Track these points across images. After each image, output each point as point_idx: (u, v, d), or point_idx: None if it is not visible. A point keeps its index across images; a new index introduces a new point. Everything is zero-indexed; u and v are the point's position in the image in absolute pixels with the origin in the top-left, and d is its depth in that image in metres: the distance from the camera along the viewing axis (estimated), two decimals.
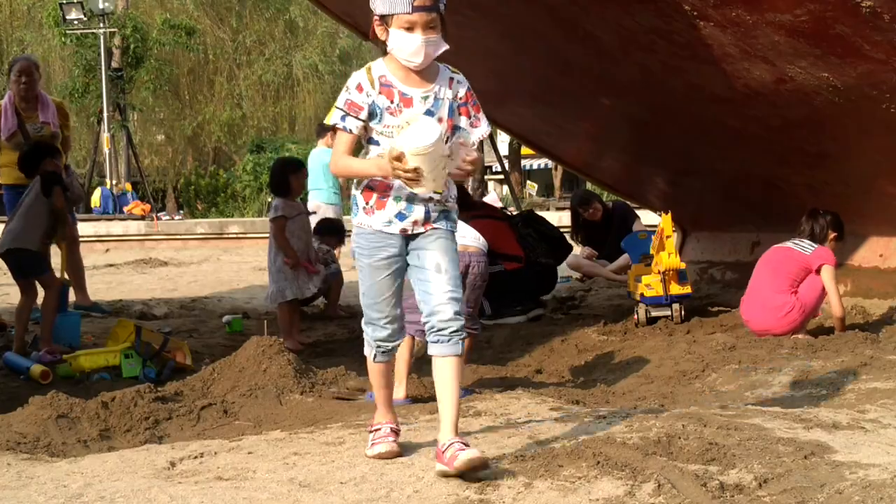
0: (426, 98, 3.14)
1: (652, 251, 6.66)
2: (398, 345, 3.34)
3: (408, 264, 3.21)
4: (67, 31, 22.25)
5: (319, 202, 12.02)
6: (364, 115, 3.12)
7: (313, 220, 11.86)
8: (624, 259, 8.23)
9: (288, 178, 6.73)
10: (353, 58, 28.99)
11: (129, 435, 4.09)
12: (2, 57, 26.48)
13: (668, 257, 6.34)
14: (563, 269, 8.37)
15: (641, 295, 6.53)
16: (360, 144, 3.22)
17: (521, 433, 3.49)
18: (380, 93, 3.12)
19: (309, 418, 4.17)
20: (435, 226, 3.18)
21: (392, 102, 3.13)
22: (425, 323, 3.17)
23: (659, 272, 6.46)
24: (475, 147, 3.16)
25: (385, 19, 3.09)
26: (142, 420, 4.19)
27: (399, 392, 4.53)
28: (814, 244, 5.75)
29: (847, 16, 4.70)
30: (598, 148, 8.60)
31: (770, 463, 3.06)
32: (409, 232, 3.17)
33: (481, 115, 3.23)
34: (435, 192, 3.11)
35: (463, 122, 3.20)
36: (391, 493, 2.93)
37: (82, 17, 20.86)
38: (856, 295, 6.55)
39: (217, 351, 6.06)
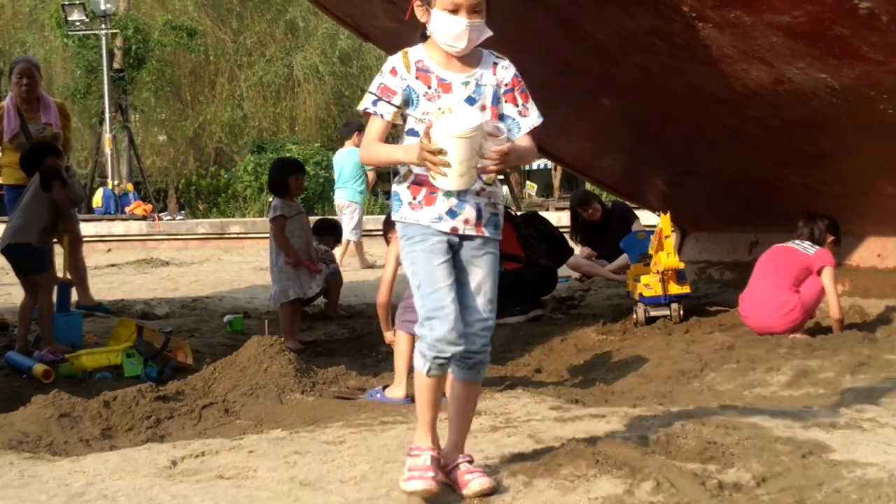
0: (467, 84, 2.93)
1: (651, 251, 6.67)
2: (459, 352, 2.88)
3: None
4: (69, 33, 22.25)
5: (345, 201, 12.11)
6: (398, 99, 2.91)
7: (341, 218, 12.03)
8: (623, 259, 8.24)
9: (286, 178, 6.74)
10: (354, 58, 28.99)
11: (130, 434, 4.11)
12: (4, 58, 26.49)
13: (666, 257, 6.35)
14: (562, 269, 8.37)
15: (640, 295, 6.54)
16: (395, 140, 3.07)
17: (520, 432, 3.51)
18: (416, 77, 2.91)
19: (310, 417, 4.19)
20: (485, 231, 2.94)
21: (429, 88, 2.92)
22: None
23: (658, 272, 6.47)
24: (510, 138, 2.87)
25: (427, 0, 2.92)
26: (143, 419, 4.21)
27: (399, 391, 4.55)
28: (814, 245, 5.81)
29: (845, 17, 4.71)
30: (598, 148, 8.60)
31: (768, 462, 3.08)
32: (460, 231, 2.91)
33: (531, 104, 2.99)
34: (459, 189, 2.83)
35: (509, 109, 2.97)
36: (391, 492, 2.94)
37: (84, 18, 20.89)
38: (854, 294, 6.56)
39: (218, 350, 6.08)
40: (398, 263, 4.76)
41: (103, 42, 21.33)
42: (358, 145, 12.29)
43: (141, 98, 25.90)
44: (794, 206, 6.52)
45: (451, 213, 2.91)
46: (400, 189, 2.97)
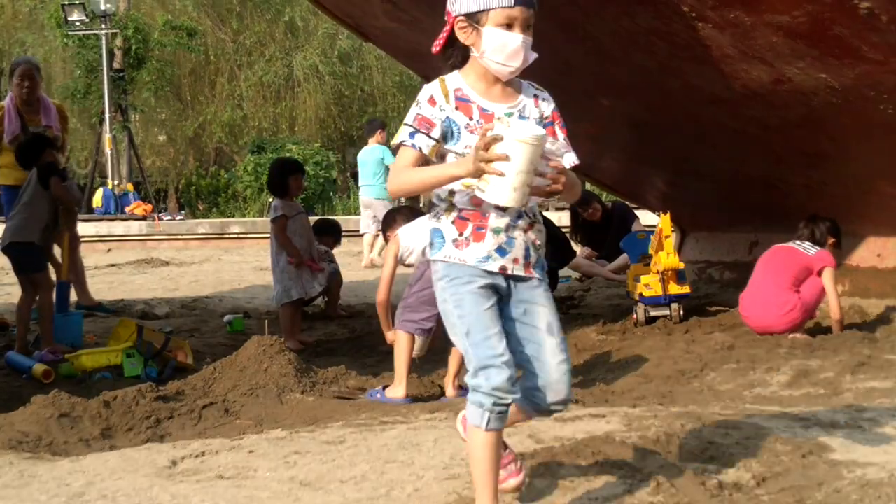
0: (510, 115, 2.68)
1: (651, 251, 6.67)
2: (517, 398, 2.61)
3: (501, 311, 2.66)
4: (69, 33, 22.26)
5: (370, 198, 12.13)
6: (437, 132, 2.63)
7: (365, 217, 12.05)
8: (623, 259, 8.24)
9: (286, 178, 6.74)
10: (354, 58, 28.98)
11: (130, 434, 4.11)
12: (3, 58, 26.48)
13: (666, 257, 6.35)
14: (562, 269, 8.38)
15: (640, 294, 6.54)
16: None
17: (520, 432, 3.51)
18: (456, 108, 2.65)
19: (310, 417, 4.19)
20: (534, 273, 2.70)
21: (470, 119, 2.65)
22: (529, 388, 2.67)
23: (658, 272, 6.47)
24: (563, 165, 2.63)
25: (475, 17, 2.63)
26: (143, 419, 4.21)
27: (399, 391, 4.55)
28: (815, 246, 5.83)
29: (845, 17, 4.71)
30: (598, 148, 8.60)
31: (768, 462, 3.08)
32: (509, 271, 2.65)
33: (567, 141, 2.75)
34: (509, 207, 2.57)
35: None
36: (391, 492, 2.94)
37: (84, 18, 20.88)
38: (854, 295, 6.56)
39: (218, 350, 6.08)
40: (397, 262, 4.76)
41: (103, 42, 21.32)
42: (381, 143, 12.34)
43: (141, 98, 25.89)
44: (794, 206, 6.53)
45: (501, 251, 2.64)
46: (442, 225, 2.68)
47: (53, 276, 6.35)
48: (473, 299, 2.60)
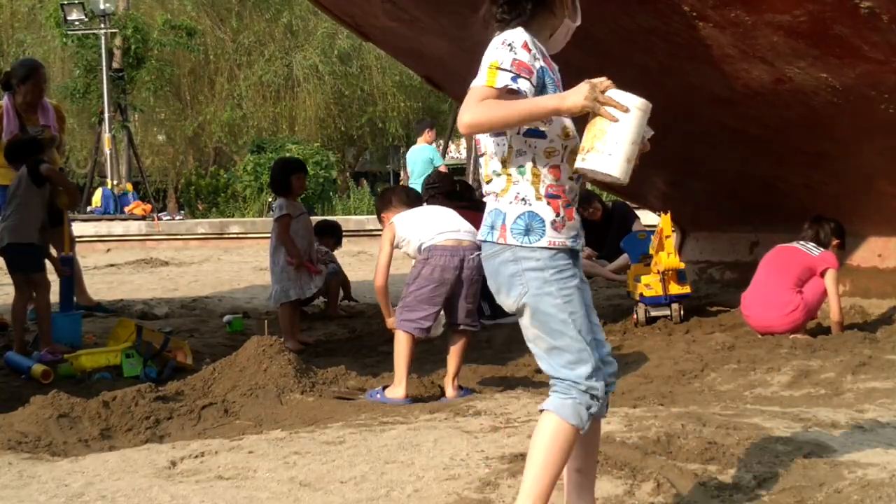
0: None
1: (651, 251, 6.67)
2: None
3: None
4: (69, 32, 22.25)
5: None
6: (535, 80, 2.38)
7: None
8: (623, 259, 8.23)
9: (289, 177, 6.72)
10: (353, 58, 28.98)
11: (130, 434, 4.10)
12: (2, 58, 26.47)
13: (667, 257, 6.35)
14: None
15: (641, 295, 6.54)
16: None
17: (521, 433, 3.50)
18: (543, 62, 2.45)
19: (309, 418, 4.18)
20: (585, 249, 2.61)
21: (553, 75, 2.47)
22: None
23: (658, 272, 6.47)
24: None
25: None
26: (143, 419, 4.20)
27: (398, 391, 4.54)
28: (819, 247, 5.83)
29: (846, 17, 4.71)
30: None
31: (769, 462, 3.07)
32: (580, 247, 2.51)
33: None
34: (614, 178, 2.33)
35: None
36: (391, 493, 2.94)
37: (83, 17, 20.87)
38: (854, 295, 6.56)
39: (218, 350, 6.07)
40: (392, 248, 4.74)
41: (102, 42, 21.32)
42: (429, 142, 12.32)
43: (140, 98, 25.88)
44: (794, 206, 6.53)
45: (580, 227, 2.50)
46: (536, 207, 2.40)
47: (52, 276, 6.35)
48: (578, 296, 2.43)
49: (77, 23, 21.13)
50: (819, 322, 6.00)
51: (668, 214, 6.46)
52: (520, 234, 2.41)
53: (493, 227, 2.45)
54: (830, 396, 4.30)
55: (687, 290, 6.54)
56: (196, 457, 3.41)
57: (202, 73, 28.84)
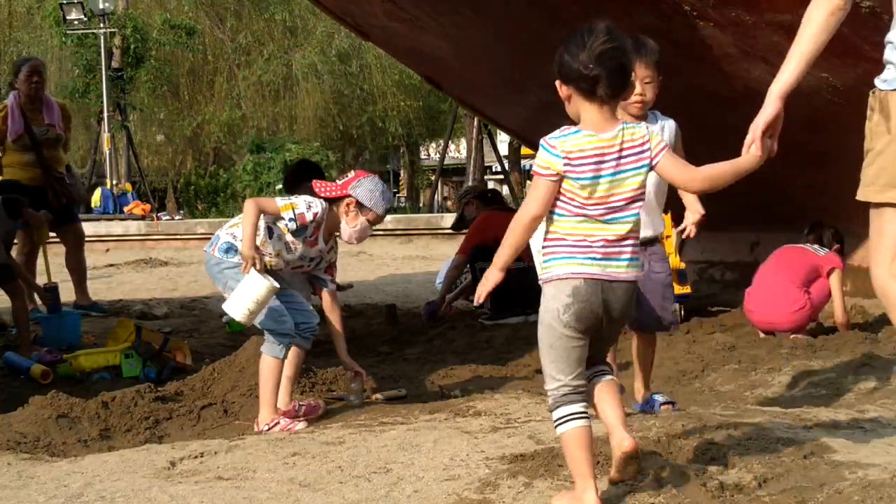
0: None
1: None
2: None
3: None
4: (68, 32, 22.25)
5: None
6: None
7: None
8: None
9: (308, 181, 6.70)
10: (353, 57, 28.96)
11: (129, 435, 4.10)
12: (2, 58, 26.47)
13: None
14: None
15: None
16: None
17: (521, 433, 3.49)
18: None
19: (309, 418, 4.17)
20: None
21: None
22: None
23: None
24: None
25: None
26: (142, 420, 4.20)
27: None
28: (824, 248, 5.86)
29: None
30: None
31: (770, 462, 3.06)
32: None
33: None
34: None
35: None
36: (391, 493, 2.93)
37: (83, 17, 20.87)
38: (855, 295, 6.55)
39: (217, 351, 6.06)
40: None
41: (102, 41, 21.31)
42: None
43: (139, 97, 25.88)
44: (795, 206, 6.52)
45: None
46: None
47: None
48: None
49: (76, 22, 21.13)
50: (819, 322, 6.00)
51: (668, 214, 6.44)
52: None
53: None
54: (831, 397, 4.30)
55: (687, 290, 6.53)
56: (195, 457, 3.41)
57: (201, 73, 28.83)
